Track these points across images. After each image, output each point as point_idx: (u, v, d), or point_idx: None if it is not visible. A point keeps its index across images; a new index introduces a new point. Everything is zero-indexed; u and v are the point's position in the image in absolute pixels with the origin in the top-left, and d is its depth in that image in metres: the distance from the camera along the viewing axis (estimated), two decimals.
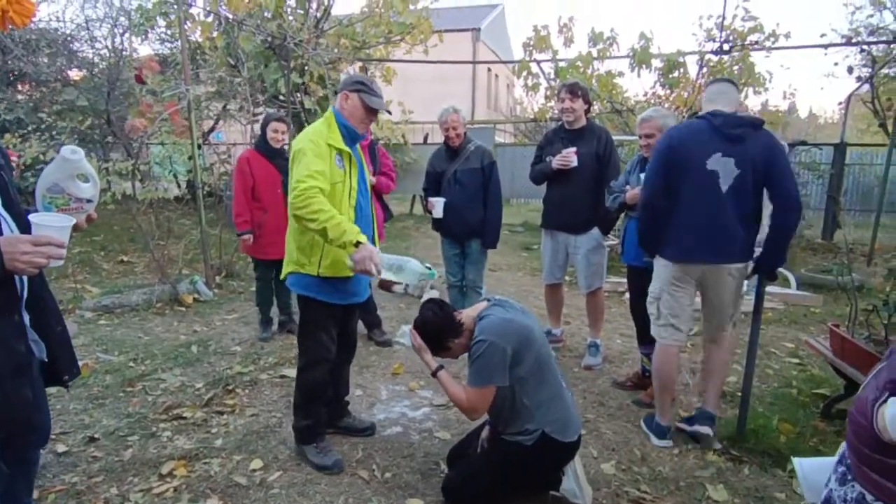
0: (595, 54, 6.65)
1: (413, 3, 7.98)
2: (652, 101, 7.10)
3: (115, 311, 4.73)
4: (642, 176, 2.99)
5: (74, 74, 9.09)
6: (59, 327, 2.16)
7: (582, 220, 3.57)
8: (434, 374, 2.20)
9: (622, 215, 3.89)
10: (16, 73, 7.61)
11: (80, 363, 3.53)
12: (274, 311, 4.30)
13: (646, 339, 3.31)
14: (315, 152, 2.27)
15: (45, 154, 5.88)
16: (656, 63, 6.46)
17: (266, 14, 7.17)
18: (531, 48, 6.96)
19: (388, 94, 9.08)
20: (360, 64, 8.98)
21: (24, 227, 1.78)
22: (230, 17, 6.70)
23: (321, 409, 2.54)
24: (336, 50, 8.02)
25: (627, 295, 5.27)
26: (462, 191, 3.74)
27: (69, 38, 8.28)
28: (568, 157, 3.45)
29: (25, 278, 1.63)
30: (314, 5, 8.29)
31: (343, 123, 2.40)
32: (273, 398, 3.16)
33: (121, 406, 3.02)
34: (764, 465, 2.53)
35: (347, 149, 2.38)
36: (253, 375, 3.45)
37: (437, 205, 3.75)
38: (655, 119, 2.98)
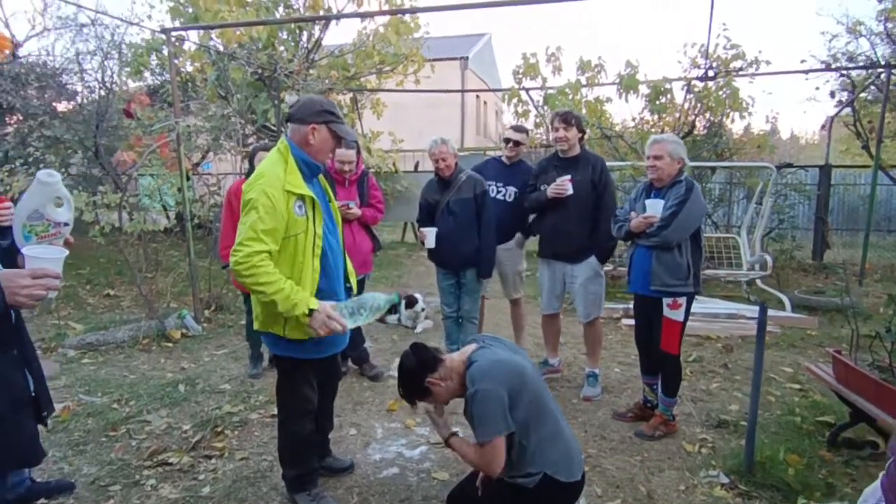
0: (583, 81, 6.75)
1: (406, 35, 8.10)
2: (640, 127, 7.21)
3: (99, 348, 4.59)
4: (648, 203, 2.96)
5: (63, 106, 9.06)
6: (35, 362, 2.09)
7: (578, 248, 3.53)
8: (447, 443, 2.09)
9: (628, 243, 3.84)
10: (3, 106, 7.56)
11: (61, 406, 3.42)
12: (264, 346, 4.18)
13: (650, 370, 3.25)
14: (267, 207, 2.00)
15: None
16: (643, 89, 6.56)
17: (257, 46, 7.22)
18: (521, 76, 7.05)
19: (378, 123, 9.17)
20: (350, 94, 9.06)
21: (8, 261, 1.73)
22: (221, 48, 6.74)
23: (311, 457, 2.43)
24: (327, 80, 8.09)
25: (625, 321, 5.26)
26: (455, 221, 3.70)
27: (58, 72, 8.28)
28: (563, 185, 3.42)
29: (17, 312, 1.64)
30: (305, 37, 8.39)
31: (302, 159, 2.12)
32: (264, 440, 3.04)
33: (103, 452, 2.89)
34: (774, 500, 2.45)
35: (309, 192, 2.11)
36: (243, 415, 3.33)
37: (429, 235, 3.70)
38: (667, 143, 2.94)
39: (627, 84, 6.26)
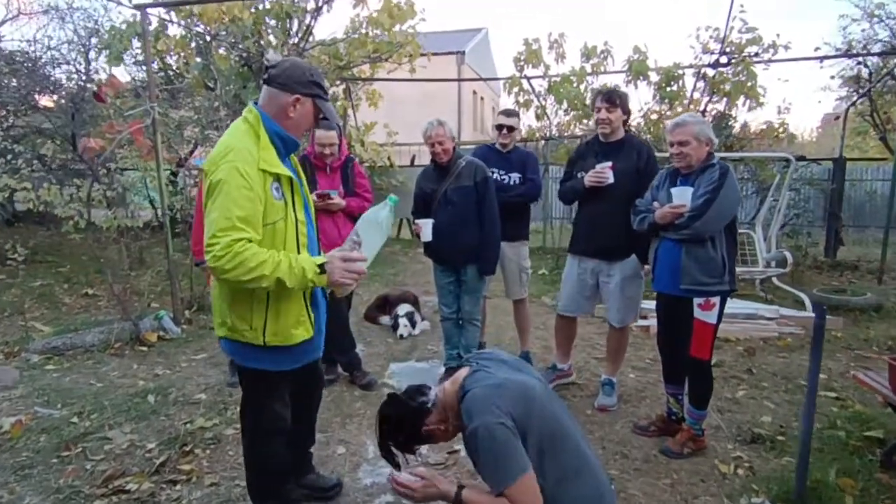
0: (589, 69, 6.39)
1: (400, 22, 7.72)
2: (648, 116, 6.85)
3: (66, 353, 4.19)
4: (675, 191, 2.60)
5: (46, 100, 8.65)
6: None
7: (618, 244, 3.11)
8: (457, 501, 1.68)
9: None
10: None
11: (13, 420, 3.02)
12: None
13: (673, 378, 2.89)
14: (242, 188, 1.63)
15: None
16: (653, 76, 6.20)
17: (243, 32, 6.83)
18: (522, 63, 6.68)
19: (373, 117, 8.76)
20: (343, 85, 8.67)
21: None
22: (203, 30, 6.34)
23: (284, 486, 2.06)
24: (319, 69, 7.69)
25: (636, 322, 4.86)
26: (454, 211, 3.34)
27: (37, 60, 7.86)
28: (603, 172, 3.03)
29: None
30: (295, 25, 7.99)
31: (277, 132, 1.78)
32: (238, 460, 2.65)
33: (51, 477, 2.50)
34: None
35: (287, 171, 1.77)
36: (217, 431, 2.95)
37: (425, 227, 3.32)
38: (691, 125, 2.59)
39: (637, 69, 5.90)
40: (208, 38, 6.98)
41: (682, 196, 2.60)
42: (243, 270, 1.60)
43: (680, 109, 7.03)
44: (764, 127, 7.92)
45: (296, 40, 7.91)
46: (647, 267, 3.14)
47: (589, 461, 1.71)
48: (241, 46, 6.52)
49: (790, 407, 3.28)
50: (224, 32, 6.32)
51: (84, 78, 7.71)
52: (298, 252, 1.82)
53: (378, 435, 1.80)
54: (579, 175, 3.19)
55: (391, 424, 1.76)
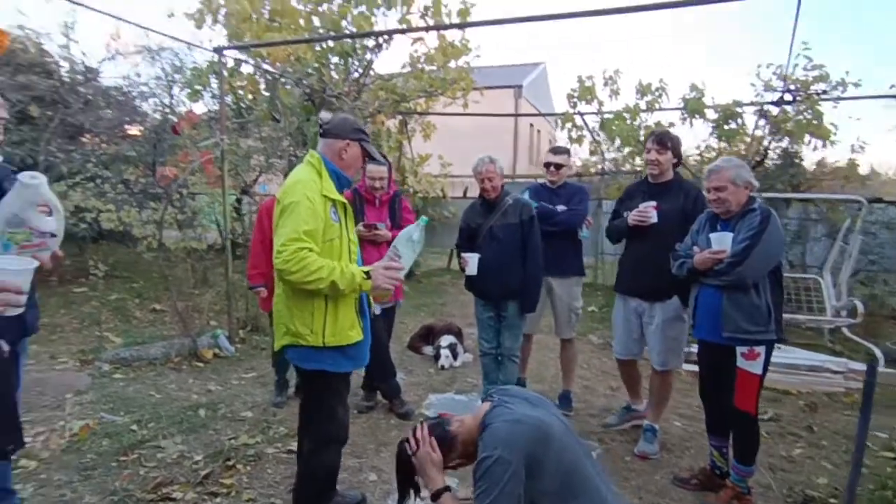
0: (643, 106, 6.35)
1: (454, 59, 8.00)
2: (706, 155, 6.68)
3: (132, 364, 4.52)
4: (713, 236, 2.55)
5: (134, 130, 9.53)
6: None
7: (660, 285, 3.05)
8: (433, 497, 1.79)
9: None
10: (76, 126, 7.98)
11: (81, 423, 3.28)
12: (290, 372, 3.97)
13: (718, 430, 2.77)
14: (309, 209, 2.03)
15: (85, 201, 5.96)
16: (710, 114, 6.08)
17: (308, 70, 7.30)
18: (575, 99, 6.73)
19: (428, 148, 9.01)
20: (399, 118, 9.02)
21: None
22: (272, 69, 6.84)
23: (331, 500, 2.21)
24: (376, 103, 8.07)
25: (685, 367, 4.63)
26: (499, 248, 3.39)
27: (128, 94, 8.69)
28: (646, 212, 3.04)
29: None
30: (356, 62, 8.45)
31: (335, 171, 2.20)
32: (276, 478, 2.77)
33: (109, 479, 2.70)
34: None
35: (342, 198, 2.20)
36: (259, 448, 3.08)
37: (471, 261, 3.39)
38: (726, 170, 2.56)
39: (693, 108, 5.80)
40: (276, 76, 7.51)
41: (722, 241, 2.54)
42: (306, 273, 1.95)
43: (740, 147, 6.83)
44: (835, 166, 7.52)
45: (356, 76, 8.36)
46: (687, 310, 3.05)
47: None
48: (304, 83, 6.95)
49: (849, 469, 3.04)
50: (290, 70, 6.79)
51: (167, 110, 8.45)
52: (353, 263, 2.18)
53: (399, 477, 1.88)
54: (625, 214, 3.19)
55: (408, 467, 1.84)
